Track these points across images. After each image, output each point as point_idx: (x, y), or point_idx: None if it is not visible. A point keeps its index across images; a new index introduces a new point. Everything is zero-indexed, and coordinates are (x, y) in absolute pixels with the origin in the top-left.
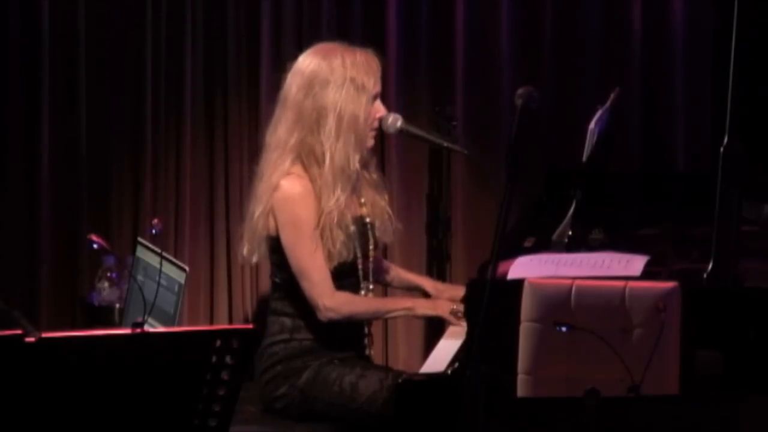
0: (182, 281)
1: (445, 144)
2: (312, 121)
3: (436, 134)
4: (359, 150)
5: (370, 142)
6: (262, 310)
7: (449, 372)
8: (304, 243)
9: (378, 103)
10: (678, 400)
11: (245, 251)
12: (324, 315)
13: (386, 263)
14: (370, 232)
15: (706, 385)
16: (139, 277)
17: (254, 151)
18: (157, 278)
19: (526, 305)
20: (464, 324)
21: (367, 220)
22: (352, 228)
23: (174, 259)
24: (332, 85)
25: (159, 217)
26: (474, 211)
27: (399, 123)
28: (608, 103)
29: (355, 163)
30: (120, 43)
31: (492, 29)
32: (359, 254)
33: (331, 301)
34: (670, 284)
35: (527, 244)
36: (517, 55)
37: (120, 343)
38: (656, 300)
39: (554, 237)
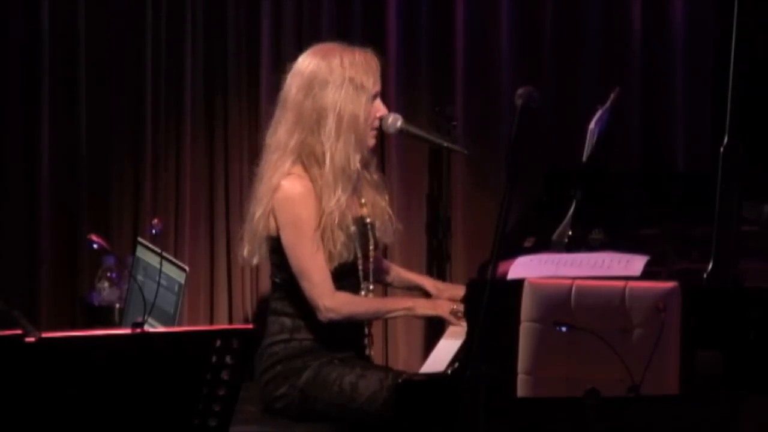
0: (182, 281)
1: (445, 144)
2: (312, 121)
3: (436, 134)
4: (360, 150)
5: (371, 142)
6: (262, 310)
7: (449, 372)
8: (305, 243)
9: (378, 102)
10: (678, 400)
11: (245, 253)
12: (324, 315)
13: (386, 263)
14: (370, 233)
15: (706, 385)
16: (139, 277)
17: (254, 150)
18: (157, 278)
19: (526, 305)
20: (464, 324)
21: (368, 220)
22: (353, 228)
23: (174, 259)
24: (331, 85)
25: (159, 217)
26: (474, 211)
27: (399, 123)
28: (608, 103)
29: (356, 163)
30: (120, 43)
31: (492, 29)
32: (359, 255)
33: (331, 301)
34: (670, 284)
35: (527, 244)
36: (517, 55)
37: (120, 343)
38: (656, 300)
39: (554, 237)
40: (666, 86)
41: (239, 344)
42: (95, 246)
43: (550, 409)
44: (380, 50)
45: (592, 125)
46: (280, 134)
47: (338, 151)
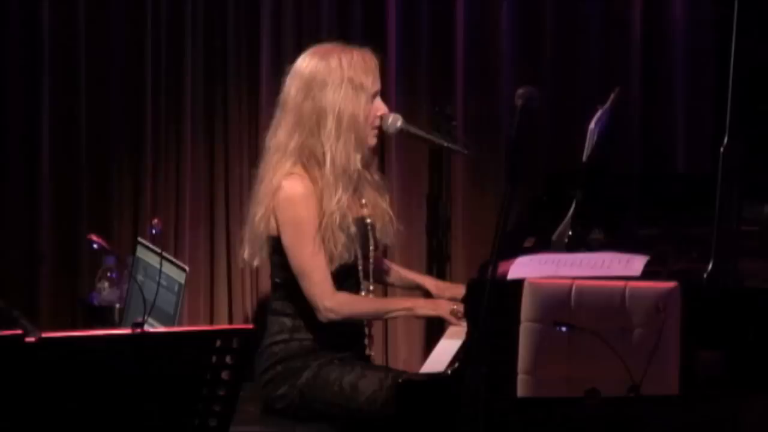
0: (182, 281)
1: (445, 144)
2: (312, 123)
3: (436, 134)
4: (360, 149)
5: (373, 141)
6: (262, 310)
7: (449, 372)
8: (305, 243)
9: (378, 101)
10: (678, 400)
11: (246, 255)
12: (324, 315)
13: (386, 263)
14: (370, 233)
15: (706, 385)
16: (139, 277)
17: (254, 150)
18: (157, 278)
19: (526, 305)
20: (464, 324)
21: (368, 221)
22: (353, 229)
23: (174, 259)
24: (330, 86)
25: (159, 217)
26: (474, 211)
27: (399, 123)
28: (608, 103)
29: (357, 162)
30: (120, 43)
31: (492, 29)
32: (359, 255)
33: (331, 301)
34: (670, 284)
35: (527, 244)
36: (517, 55)
37: (120, 343)
38: (656, 300)
39: (554, 237)
40: (666, 86)
41: (239, 344)
42: (95, 246)
43: (550, 409)
44: (380, 51)
45: (592, 125)
46: (280, 136)
47: (338, 151)
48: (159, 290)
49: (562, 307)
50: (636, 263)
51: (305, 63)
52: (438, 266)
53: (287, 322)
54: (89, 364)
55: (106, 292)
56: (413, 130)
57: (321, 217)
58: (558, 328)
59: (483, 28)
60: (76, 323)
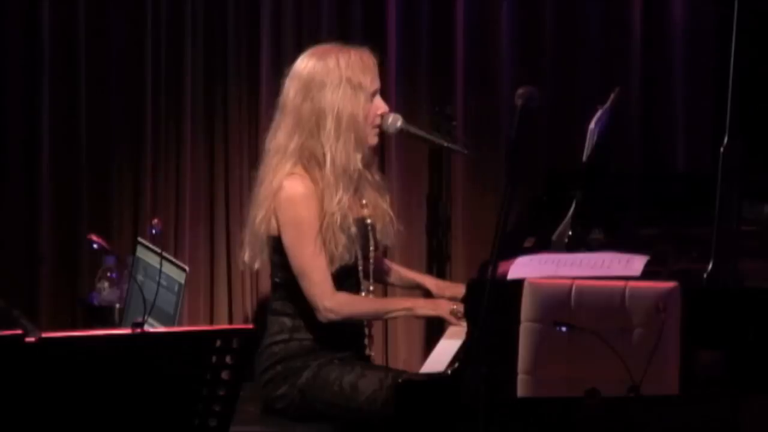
0: (182, 281)
1: (445, 144)
2: (311, 124)
3: (436, 134)
4: (360, 149)
5: (374, 140)
6: (262, 310)
7: (449, 372)
8: (306, 243)
9: (378, 100)
10: (678, 400)
11: (247, 257)
12: (324, 315)
13: (387, 263)
14: (370, 234)
15: (706, 385)
16: (139, 277)
17: (254, 150)
18: (157, 278)
19: (526, 305)
20: (464, 324)
21: (368, 221)
22: (354, 230)
23: (174, 259)
24: (329, 86)
25: (159, 217)
26: (474, 211)
27: (399, 123)
28: (608, 103)
29: (357, 162)
30: (120, 43)
31: (492, 29)
32: (359, 256)
33: (331, 301)
34: (670, 284)
35: (527, 244)
36: (517, 55)
37: (120, 343)
38: (656, 300)
39: (554, 237)
40: (666, 86)
41: (239, 344)
42: (95, 246)
43: (550, 409)
44: (380, 50)
45: (592, 125)
46: (280, 138)
47: (339, 151)
48: (159, 290)
49: (562, 307)
50: (636, 263)
51: (303, 64)
52: (438, 266)
53: (287, 322)
54: (89, 364)
55: (106, 292)
56: (413, 130)
57: (322, 218)
58: (558, 328)
59: (483, 28)
60: (76, 323)
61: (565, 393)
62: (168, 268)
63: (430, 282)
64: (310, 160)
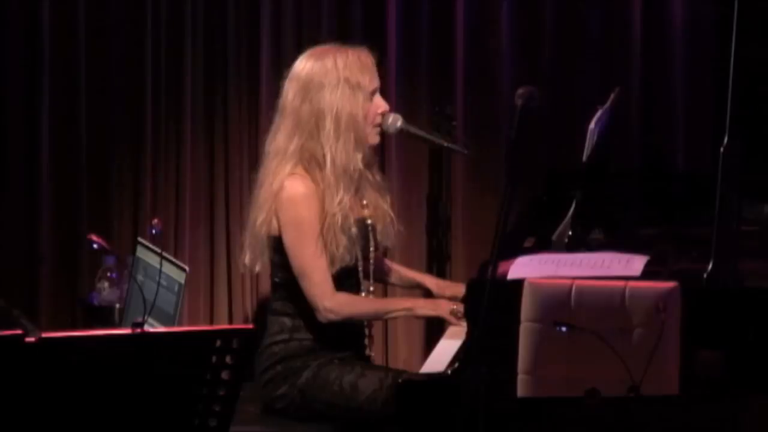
0: (182, 281)
1: (445, 144)
2: (311, 125)
3: (436, 134)
4: (361, 149)
5: (375, 139)
6: (262, 310)
7: (449, 372)
8: (306, 244)
9: (378, 99)
10: (678, 400)
11: (247, 260)
12: (324, 316)
13: (387, 262)
14: (371, 234)
15: (706, 385)
16: (139, 277)
17: (254, 150)
18: (157, 278)
19: (526, 305)
20: (464, 324)
21: (369, 221)
22: (354, 230)
23: (174, 259)
24: (327, 87)
25: (159, 217)
26: (474, 211)
27: (399, 123)
28: (608, 103)
29: (358, 162)
30: (120, 43)
31: (492, 29)
32: (359, 257)
33: (331, 302)
34: (670, 284)
35: (527, 244)
36: (517, 55)
37: (120, 343)
38: (656, 300)
39: (554, 237)
40: (666, 86)
41: (239, 344)
42: (95, 246)
43: (550, 409)
44: (380, 50)
45: (592, 125)
46: (279, 140)
47: (338, 152)
48: (159, 290)
49: (562, 307)
50: (636, 263)
51: (301, 66)
52: (438, 266)
53: (287, 321)
54: (89, 364)
55: (106, 292)
56: (413, 130)
57: (323, 219)
58: (558, 328)
59: (483, 28)
60: (76, 323)
61: (565, 393)
62: (168, 268)
63: (430, 281)
64: (310, 162)
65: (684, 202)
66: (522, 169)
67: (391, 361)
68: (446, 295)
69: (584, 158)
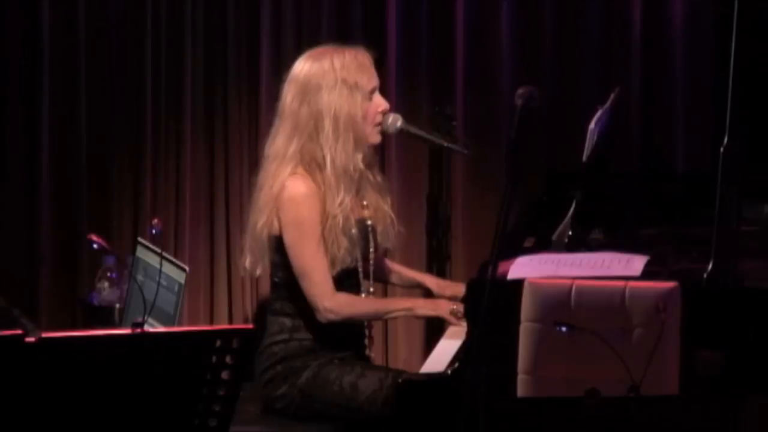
0: (182, 281)
1: (445, 144)
2: (310, 127)
3: (436, 134)
4: (360, 149)
5: (376, 138)
6: (262, 310)
7: (449, 372)
8: (307, 243)
9: (378, 98)
10: (678, 400)
11: (248, 264)
12: (324, 316)
13: (387, 262)
14: (371, 235)
15: (706, 385)
16: (139, 277)
17: (254, 150)
18: (157, 278)
19: (526, 305)
20: (464, 324)
21: (369, 222)
22: (355, 232)
23: (174, 259)
24: (324, 89)
25: (159, 217)
26: (474, 211)
27: (399, 123)
28: (608, 103)
29: (358, 162)
30: (120, 43)
31: (492, 29)
32: (359, 258)
33: (331, 302)
34: (670, 284)
35: (527, 244)
36: (517, 55)
37: (120, 343)
38: (656, 300)
39: (554, 237)
40: (666, 86)
41: (239, 344)
42: (95, 246)
43: (550, 409)
44: (380, 50)
45: (592, 125)
46: (279, 143)
47: (338, 152)
48: (159, 290)
49: (562, 307)
50: (636, 263)
51: (299, 68)
52: (438, 266)
53: (287, 322)
54: (89, 364)
55: (106, 292)
56: (413, 130)
57: (324, 221)
58: (558, 328)
59: (483, 28)
60: (76, 323)
61: (565, 393)
62: (168, 268)
63: (430, 281)
64: (310, 164)
65: (684, 202)
66: (522, 169)
67: (391, 361)
68: (446, 295)
69: (584, 158)
